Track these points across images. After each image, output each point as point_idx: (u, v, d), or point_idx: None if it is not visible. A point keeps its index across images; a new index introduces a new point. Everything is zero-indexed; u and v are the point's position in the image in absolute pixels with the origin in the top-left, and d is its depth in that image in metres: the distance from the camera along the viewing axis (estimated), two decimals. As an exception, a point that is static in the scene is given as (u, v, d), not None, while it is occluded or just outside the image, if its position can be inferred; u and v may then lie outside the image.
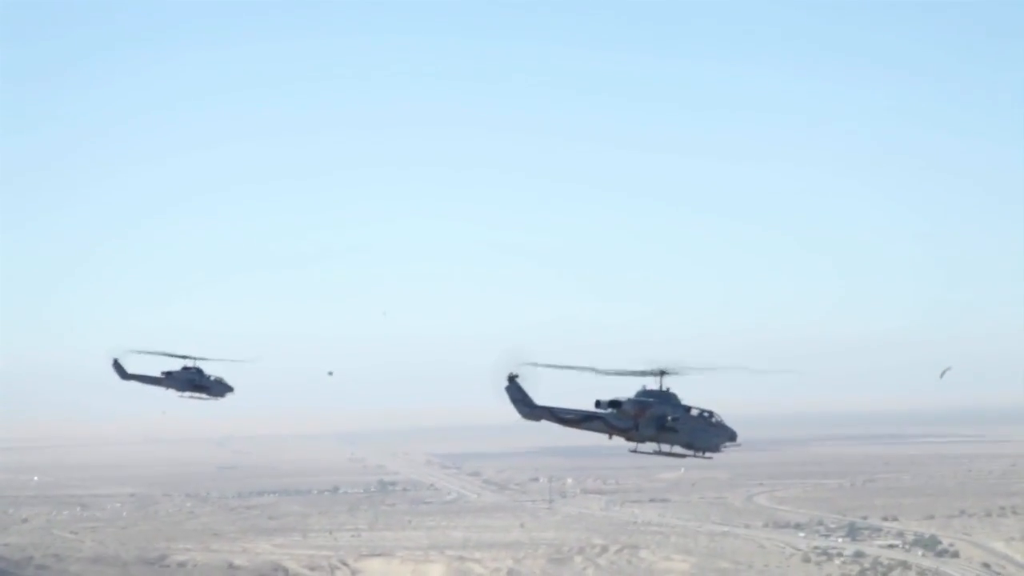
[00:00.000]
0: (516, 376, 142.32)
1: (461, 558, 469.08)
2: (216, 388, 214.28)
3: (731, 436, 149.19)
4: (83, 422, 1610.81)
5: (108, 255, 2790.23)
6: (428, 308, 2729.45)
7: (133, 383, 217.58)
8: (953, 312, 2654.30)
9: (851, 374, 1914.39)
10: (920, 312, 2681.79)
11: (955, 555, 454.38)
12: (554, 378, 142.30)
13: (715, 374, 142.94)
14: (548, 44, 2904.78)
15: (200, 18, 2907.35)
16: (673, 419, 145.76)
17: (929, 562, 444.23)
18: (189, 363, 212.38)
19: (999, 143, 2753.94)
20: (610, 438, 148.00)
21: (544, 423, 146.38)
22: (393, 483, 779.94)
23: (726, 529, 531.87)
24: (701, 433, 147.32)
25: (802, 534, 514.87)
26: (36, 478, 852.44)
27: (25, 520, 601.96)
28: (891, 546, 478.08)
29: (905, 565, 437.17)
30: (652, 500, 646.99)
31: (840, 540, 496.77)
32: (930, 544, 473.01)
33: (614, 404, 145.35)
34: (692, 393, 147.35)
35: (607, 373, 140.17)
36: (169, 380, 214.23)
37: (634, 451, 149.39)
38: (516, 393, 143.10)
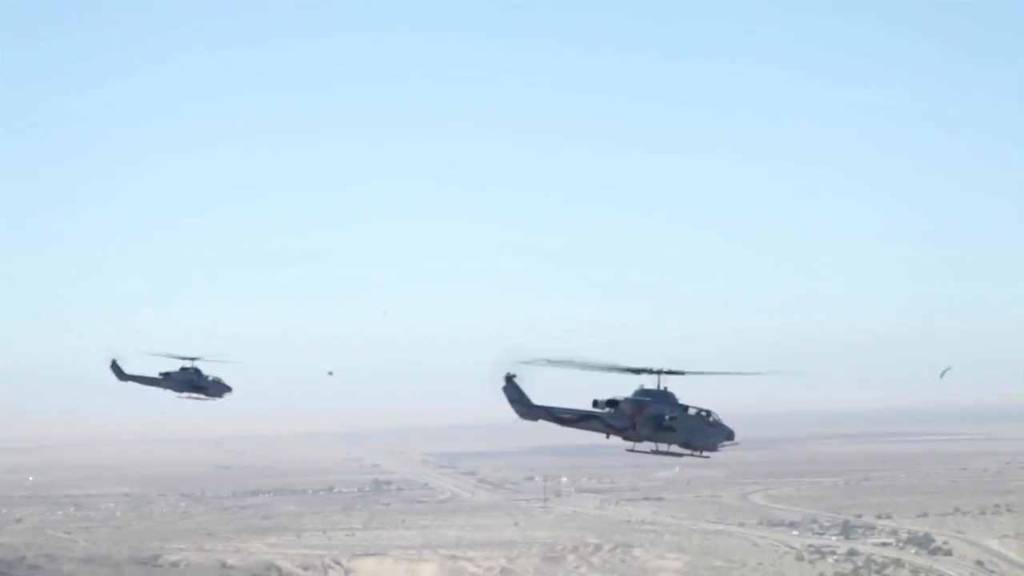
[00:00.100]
0: (513, 376, 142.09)
1: (454, 557, 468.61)
2: (214, 388, 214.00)
3: (729, 435, 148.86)
4: (82, 422, 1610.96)
5: (107, 255, 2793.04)
6: (428, 308, 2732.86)
7: (131, 384, 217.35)
8: (953, 311, 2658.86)
9: (851, 372, 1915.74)
10: (920, 311, 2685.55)
11: (948, 553, 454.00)
12: (551, 378, 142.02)
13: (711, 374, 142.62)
14: (549, 43, 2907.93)
15: (200, 18, 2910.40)
16: (671, 418, 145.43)
17: (922, 560, 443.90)
18: (187, 363, 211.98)
19: (999, 142, 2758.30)
20: (607, 437, 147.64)
21: (542, 422, 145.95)
22: (388, 482, 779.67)
23: (720, 527, 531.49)
24: (699, 432, 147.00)
25: (796, 532, 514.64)
26: (31, 478, 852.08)
27: (19, 520, 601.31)
28: (884, 544, 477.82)
29: (898, 563, 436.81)
30: (647, 498, 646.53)
31: (834, 538, 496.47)
32: (924, 542, 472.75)
33: (611, 403, 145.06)
34: (690, 392, 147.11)
35: (604, 368, 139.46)
36: (167, 381, 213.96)
37: (632, 450, 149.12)
38: (513, 393, 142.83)
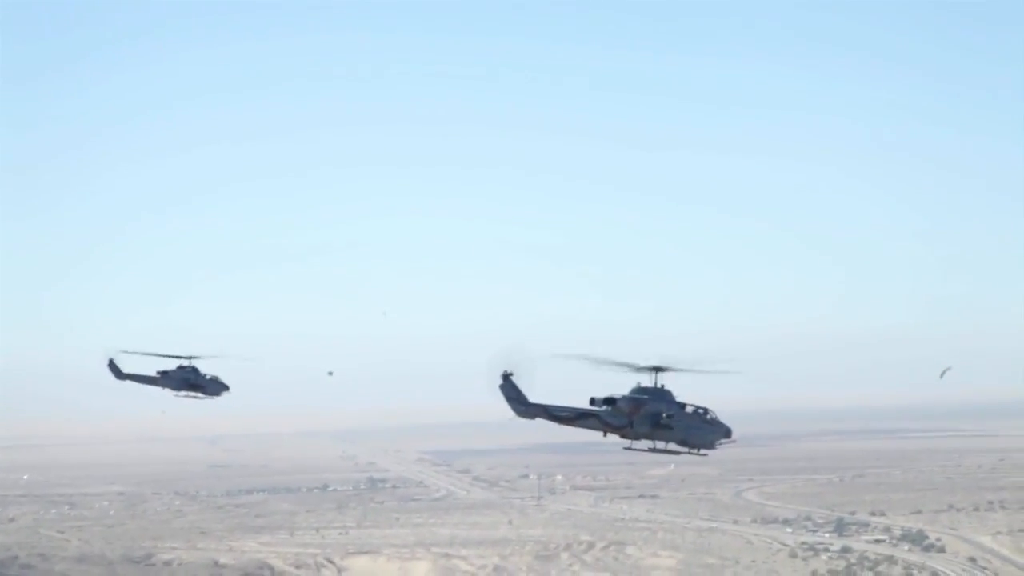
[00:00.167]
0: (511, 374, 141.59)
1: (447, 555, 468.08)
2: (212, 387, 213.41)
3: (726, 433, 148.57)
4: (80, 421, 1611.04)
5: (105, 254, 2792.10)
6: (428, 306, 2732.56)
7: (129, 383, 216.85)
8: (953, 308, 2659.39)
9: (852, 370, 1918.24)
10: (920, 308, 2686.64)
11: (941, 550, 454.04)
12: (549, 376, 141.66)
13: (711, 370, 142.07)
14: (552, 42, 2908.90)
15: (199, 16, 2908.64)
16: (668, 416, 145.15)
17: (915, 557, 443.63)
18: (184, 362, 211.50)
19: (1000, 140, 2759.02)
20: (605, 436, 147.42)
21: (539, 420, 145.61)
22: (383, 480, 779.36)
23: (714, 525, 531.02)
24: (696, 430, 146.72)
25: (789, 529, 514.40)
26: (26, 477, 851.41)
27: (12, 519, 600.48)
28: (878, 541, 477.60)
29: (891, 560, 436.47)
30: (641, 496, 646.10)
31: (827, 535, 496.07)
32: (917, 539, 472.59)
33: (609, 401, 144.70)
34: (688, 390, 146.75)
35: (602, 363, 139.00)
36: (165, 380, 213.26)
37: (629, 448, 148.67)
38: (511, 391, 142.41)
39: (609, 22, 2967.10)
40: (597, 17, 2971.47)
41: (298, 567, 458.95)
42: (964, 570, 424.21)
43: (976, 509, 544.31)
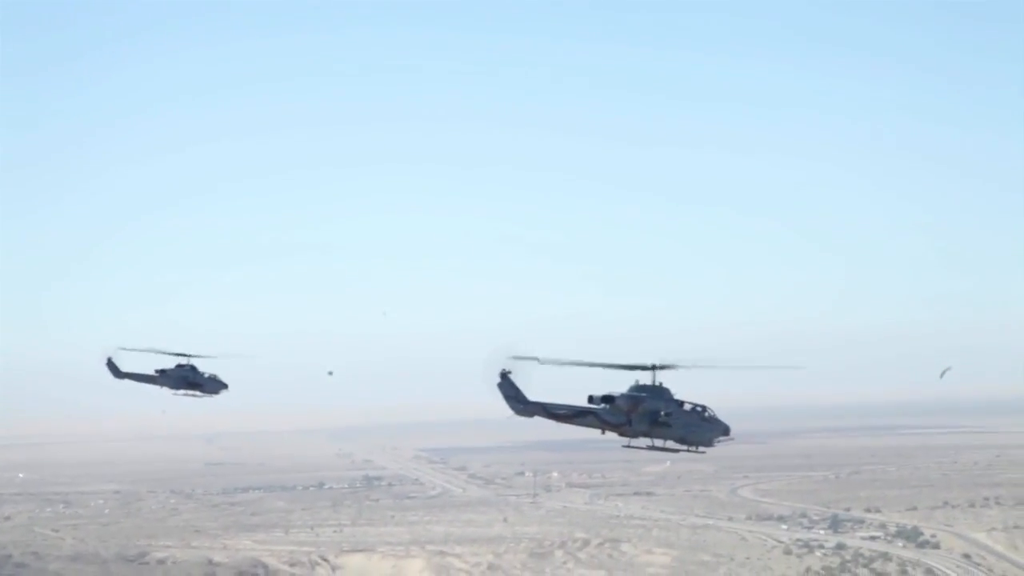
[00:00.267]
0: (509, 372, 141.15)
1: (442, 553, 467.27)
2: (210, 385, 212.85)
3: (724, 430, 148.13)
4: (79, 419, 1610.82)
5: (104, 252, 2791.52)
6: (429, 304, 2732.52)
7: (128, 381, 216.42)
8: (953, 305, 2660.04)
9: (852, 367, 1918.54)
10: (921, 305, 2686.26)
11: (936, 546, 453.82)
12: (547, 374, 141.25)
13: (708, 368, 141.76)
14: (554, 39, 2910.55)
15: (197, 14, 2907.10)
16: (666, 414, 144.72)
17: (910, 553, 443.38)
18: (183, 360, 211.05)
19: (1000, 136, 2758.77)
20: (603, 433, 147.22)
21: (537, 418, 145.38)
22: (379, 478, 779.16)
23: (709, 522, 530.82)
24: (694, 428, 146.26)
25: (784, 526, 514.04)
26: (21, 475, 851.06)
27: (7, 518, 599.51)
28: (873, 538, 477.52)
29: (886, 557, 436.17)
30: (636, 493, 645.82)
31: (822, 532, 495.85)
32: (912, 535, 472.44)
33: (607, 399, 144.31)
34: (687, 387, 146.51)
35: (599, 366, 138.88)
36: (163, 378, 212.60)
37: (627, 446, 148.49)
38: (509, 389, 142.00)
39: (610, 19, 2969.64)
40: (599, 14, 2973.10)
41: (292, 565, 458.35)
42: (958, 566, 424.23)
43: (972, 505, 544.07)
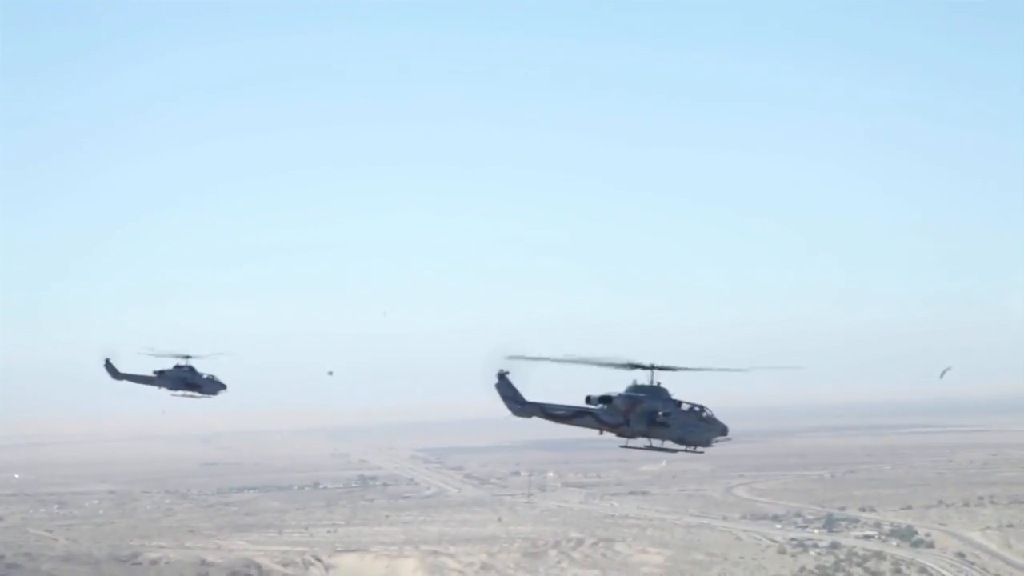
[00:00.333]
0: (507, 373, 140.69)
1: (435, 553, 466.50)
2: (208, 386, 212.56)
3: (722, 430, 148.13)
4: (77, 419, 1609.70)
5: (102, 252, 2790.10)
6: (429, 304, 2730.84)
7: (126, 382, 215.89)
8: (950, 304, 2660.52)
9: (851, 366, 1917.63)
10: (920, 304, 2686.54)
11: (930, 546, 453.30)
12: (545, 374, 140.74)
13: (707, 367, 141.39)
14: (555, 38, 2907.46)
15: (196, 14, 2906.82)
16: (664, 414, 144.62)
17: (904, 552, 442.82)
18: (181, 361, 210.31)
19: (999, 135, 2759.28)
20: (601, 434, 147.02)
21: (535, 418, 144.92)
22: (374, 478, 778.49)
23: (704, 521, 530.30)
24: (692, 428, 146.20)
25: (779, 526, 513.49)
26: (17, 476, 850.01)
27: (1, 519, 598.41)
28: (867, 537, 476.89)
29: (880, 556, 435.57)
30: (632, 493, 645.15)
31: (817, 531, 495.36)
32: (906, 535, 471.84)
33: (605, 400, 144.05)
34: (685, 387, 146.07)
35: (596, 364, 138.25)
36: (161, 379, 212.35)
37: (625, 446, 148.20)
38: (506, 390, 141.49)
39: (610, 18, 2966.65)
40: (599, 13, 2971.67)
41: (285, 565, 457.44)
42: (952, 565, 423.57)
43: (966, 505, 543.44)
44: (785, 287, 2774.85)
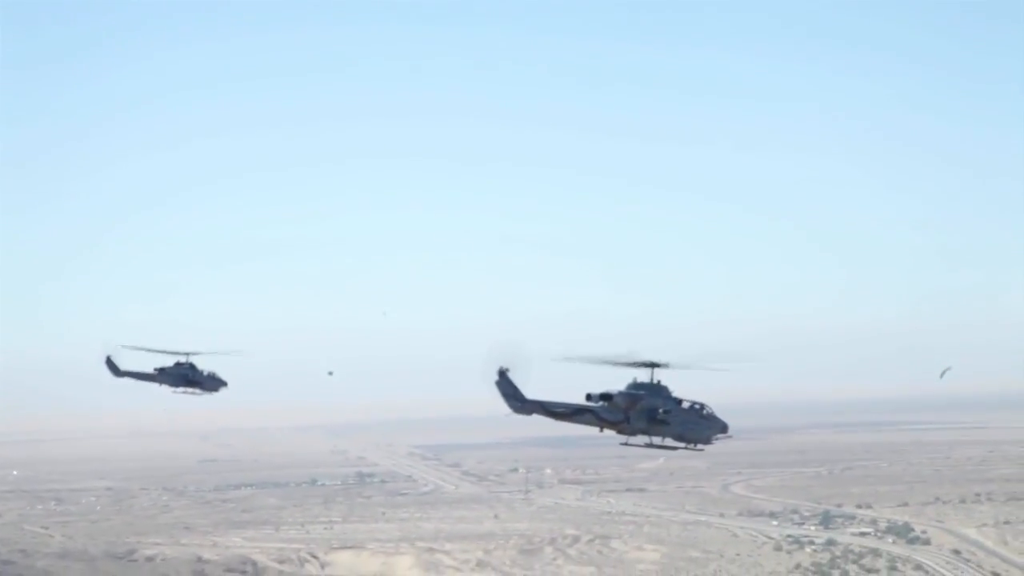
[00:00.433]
0: (507, 370, 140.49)
1: (431, 550, 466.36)
2: (209, 383, 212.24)
3: (722, 428, 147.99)
4: (78, 416, 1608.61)
5: (102, 248, 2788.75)
6: (429, 301, 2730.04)
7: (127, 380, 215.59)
8: (951, 301, 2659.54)
9: (850, 363, 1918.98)
10: (920, 300, 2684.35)
11: (926, 542, 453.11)
12: (545, 371, 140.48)
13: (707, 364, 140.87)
14: (555, 34, 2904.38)
15: (195, 10, 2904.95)
16: (664, 412, 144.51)
17: (900, 549, 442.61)
18: (182, 358, 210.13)
19: (999, 131, 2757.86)
20: (601, 431, 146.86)
21: (534, 416, 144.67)
22: (371, 475, 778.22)
23: (700, 518, 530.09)
24: (692, 425, 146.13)
25: (775, 523, 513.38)
26: (15, 472, 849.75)
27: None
28: (863, 534, 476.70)
29: (876, 553, 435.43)
30: (629, 489, 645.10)
31: (813, 528, 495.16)
32: (902, 531, 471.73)
33: (605, 397, 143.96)
34: (685, 383, 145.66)
35: (597, 362, 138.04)
36: (162, 376, 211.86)
37: (625, 444, 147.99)
38: (507, 387, 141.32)
39: (612, 14, 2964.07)
40: (600, 9, 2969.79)
41: (281, 562, 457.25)
42: (948, 562, 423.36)
43: (963, 501, 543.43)
44: (787, 284, 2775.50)
